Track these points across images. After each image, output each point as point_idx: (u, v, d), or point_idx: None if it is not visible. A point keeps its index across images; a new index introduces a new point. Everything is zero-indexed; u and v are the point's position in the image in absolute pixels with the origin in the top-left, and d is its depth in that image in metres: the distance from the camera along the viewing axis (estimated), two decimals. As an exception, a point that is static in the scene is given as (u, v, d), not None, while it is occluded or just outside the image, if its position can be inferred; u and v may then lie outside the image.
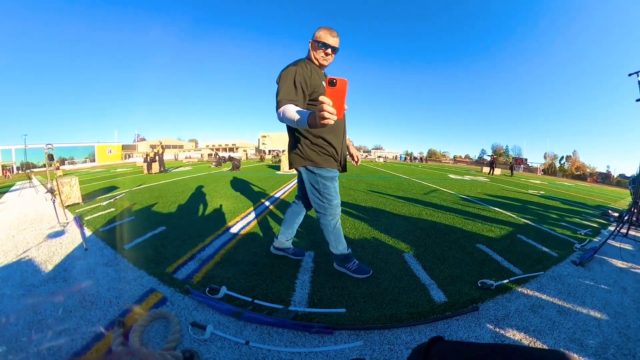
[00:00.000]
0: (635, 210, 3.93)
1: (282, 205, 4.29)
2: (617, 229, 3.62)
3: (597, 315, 1.81)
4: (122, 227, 3.27)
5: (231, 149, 64.77)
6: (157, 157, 12.57)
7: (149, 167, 12.21)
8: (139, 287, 1.93)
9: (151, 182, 7.72)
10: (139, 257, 2.40)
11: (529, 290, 2.06)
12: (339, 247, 1.93)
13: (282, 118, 1.42)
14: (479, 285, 2.04)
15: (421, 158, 71.40)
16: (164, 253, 2.48)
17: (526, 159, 73.97)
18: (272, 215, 3.67)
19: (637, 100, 3.25)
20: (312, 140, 1.69)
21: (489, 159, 22.54)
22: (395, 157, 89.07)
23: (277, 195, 5.15)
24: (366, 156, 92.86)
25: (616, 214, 6.71)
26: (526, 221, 4.22)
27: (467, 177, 13.32)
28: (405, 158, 66.86)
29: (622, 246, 3.49)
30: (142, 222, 3.45)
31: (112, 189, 6.59)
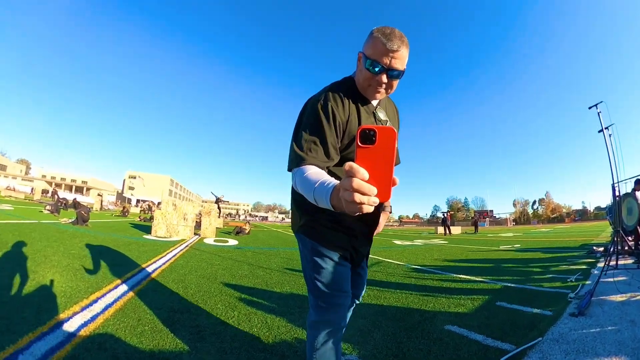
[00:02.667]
0: (618, 239, 4.98)
1: (151, 290, 3.74)
2: (607, 263, 4.54)
3: (616, 360, 2.08)
4: None
5: (79, 189, 55.67)
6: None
7: None
8: None
9: None
10: None
11: (530, 366, 2.11)
12: None
13: (295, 186, 1.27)
14: (462, 379, 1.99)
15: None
16: None
17: (491, 211, 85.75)
18: (133, 306, 3.17)
19: (599, 132, 4.71)
20: (322, 214, 1.46)
21: (442, 216, 25.30)
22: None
23: (143, 274, 4.55)
24: (283, 219, 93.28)
25: (601, 249, 8.34)
26: (504, 284, 4.67)
27: (418, 242, 14.28)
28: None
29: (616, 280, 4.32)
30: None
31: None
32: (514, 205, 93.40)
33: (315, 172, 1.17)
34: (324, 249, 1.46)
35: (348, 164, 0.73)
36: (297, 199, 1.51)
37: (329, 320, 1.48)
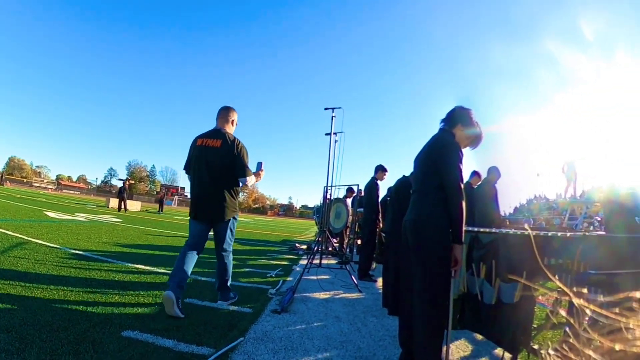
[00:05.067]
0: (324, 239, 6.66)
1: None
2: (310, 261, 5.83)
3: (326, 354, 2.90)
4: None
5: None
6: None
7: None
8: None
9: None
10: None
11: (235, 369, 2.50)
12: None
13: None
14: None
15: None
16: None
17: (183, 188, 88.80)
18: None
19: (327, 134, 6.17)
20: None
21: (120, 184, 25.01)
22: None
23: None
24: None
25: (304, 247, 10.84)
26: (193, 277, 5.21)
27: (81, 217, 14.60)
28: None
29: (319, 278, 5.71)
30: None
31: None
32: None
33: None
34: None
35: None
36: (228, 196, 4.09)
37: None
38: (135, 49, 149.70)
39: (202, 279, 5.13)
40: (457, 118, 2.87)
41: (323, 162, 6.12)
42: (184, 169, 4.34)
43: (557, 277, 2.43)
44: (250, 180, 4.21)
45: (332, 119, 6.04)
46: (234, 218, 4.20)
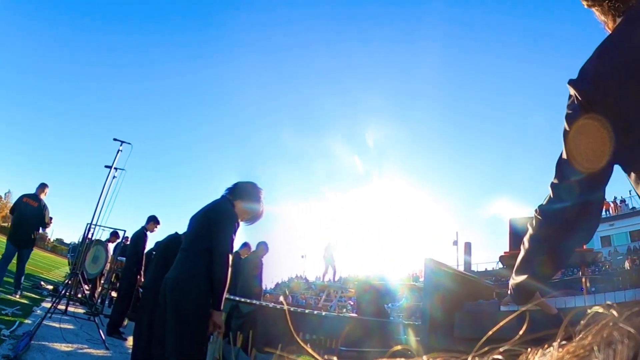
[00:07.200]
0: (74, 283, 6.22)
1: None
2: (55, 305, 5.38)
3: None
4: None
5: None
6: None
7: None
8: None
9: None
10: None
11: None
12: None
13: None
14: None
15: None
16: None
17: None
18: None
19: (107, 167, 6.15)
20: None
21: None
22: None
23: None
24: None
25: (51, 287, 9.77)
26: None
27: None
28: None
29: (63, 326, 5.14)
30: None
31: None
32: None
33: None
34: None
35: None
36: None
37: None
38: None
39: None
40: (241, 191, 2.99)
41: (93, 195, 5.98)
42: (9, 211, 7.59)
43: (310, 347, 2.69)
44: (48, 227, 7.74)
45: (117, 152, 5.92)
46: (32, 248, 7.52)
